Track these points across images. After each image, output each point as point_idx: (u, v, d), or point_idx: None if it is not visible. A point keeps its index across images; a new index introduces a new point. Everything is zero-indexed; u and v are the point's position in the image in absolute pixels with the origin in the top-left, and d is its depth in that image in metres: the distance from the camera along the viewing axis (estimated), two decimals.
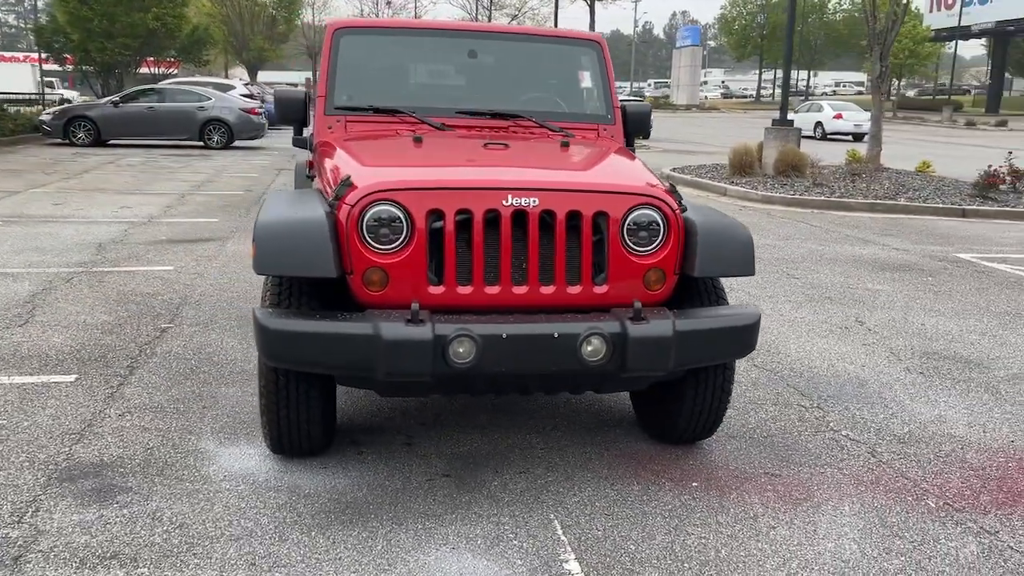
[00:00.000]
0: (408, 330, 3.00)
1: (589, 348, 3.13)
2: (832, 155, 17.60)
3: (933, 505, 3.43)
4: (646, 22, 72.50)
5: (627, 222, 3.33)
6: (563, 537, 3.08)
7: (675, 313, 3.31)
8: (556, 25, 32.08)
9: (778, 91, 69.71)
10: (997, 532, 3.22)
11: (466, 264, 3.24)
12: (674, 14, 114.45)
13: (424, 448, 3.81)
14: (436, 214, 3.20)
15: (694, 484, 3.55)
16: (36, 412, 4.05)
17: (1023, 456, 3.95)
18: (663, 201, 3.38)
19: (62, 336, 5.25)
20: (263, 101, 24.42)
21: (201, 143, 20.27)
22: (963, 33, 53.53)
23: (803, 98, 63.59)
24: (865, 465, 3.79)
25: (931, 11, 56.88)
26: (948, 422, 4.36)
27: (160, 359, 4.89)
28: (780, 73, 77.93)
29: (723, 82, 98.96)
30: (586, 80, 4.72)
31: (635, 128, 4.68)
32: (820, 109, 32.95)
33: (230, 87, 25.42)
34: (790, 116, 17.84)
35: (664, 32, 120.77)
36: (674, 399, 3.70)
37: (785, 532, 3.17)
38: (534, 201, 3.25)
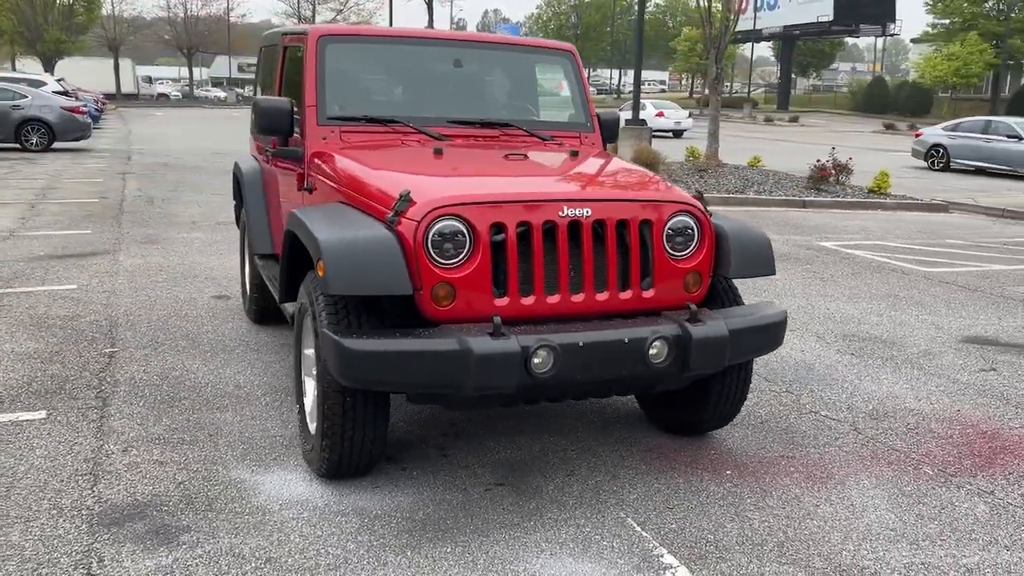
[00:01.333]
0: (496, 343, 3.05)
1: (654, 351, 3.30)
2: (665, 152, 18.64)
3: (931, 472, 3.87)
4: (459, 19, 73.05)
5: (667, 229, 3.52)
6: (644, 533, 3.24)
7: (718, 313, 3.54)
8: (391, 22, 31.83)
9: (592, 90, 72.61)
10: (992, 492, 3.70)
11: (528, 275, 3.32)
12: (486, 12, 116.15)
13: (462, 459, 3.84)
14: (497, 227, 3.25)
15: (728, 472, 3.80)
16: (24, 454, 3.71)
17: (975, 422, 4.51)
18: (697, 208, 3.60)
19: None
20: (76, 99, 22.67)
21: (17, 145, 18.53)
22: (757, 36, 58.02)
23: (615, 96, 66.44)
24: (857, 441, 4.20)
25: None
26: (899, 397, 4.88)
27: (128, 387, 4.57)
28: (592, 72, 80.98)
29: None
30: (564, 89, 4.87)
31: (608, 135, 4.89)
32: (643, 107, 34.69)
33: (41, 83, 23.32)
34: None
35: (477, 30, 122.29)
36: (700, 393, 3.93)
37: (830, 509, 3.49)
38: (587, 212, 3.37)
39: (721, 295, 3.88)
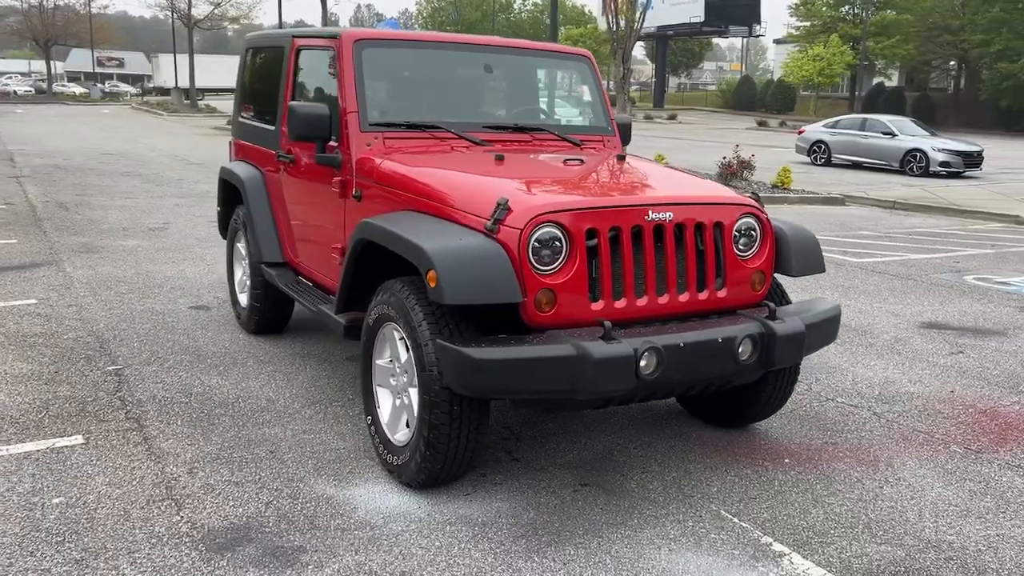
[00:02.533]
0: (611, 348, 3.12)
1: (742, 349, 3.45)
2: None
3: (960, 451, 4.20)
4: (331, 13, 71.60)
5: (735, 230, 3.68)
6: (743, 524, 3.39)
7: (787, 310, 3.74)
8: (280, 17, 30.93)
9: None
10: (1020, 465, 4.05)
11: (620, 279, 3.41)
12: (359, 7, 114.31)
13: (533, 462, 3.88)
14: (590, 233, 3.33)
15: (786, 460, 4.01)
16: (85, 482, 3.50)
17: (971, 402, 4.90)
18: (760, 209, 3.78)
19: (0, 394, 4.45)
20: None
21: None
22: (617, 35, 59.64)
23: None
24: (881, 425, 4.50)
25: (603, 14, 62.62)
26: (895, 382, 5.24)
27: (156, 406, 4.36)
28: None
29: None
30: (586, 94, 4.96)
31: (624, 138, 5.03)
32: None
33: None
34: None
35: (351, 24, 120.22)
36: (755, 386, 4.11)
37: (893, 491, 3.74)
38: (670, 215, 3.50)
39: (773, 293, 4.08)
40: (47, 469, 3.61)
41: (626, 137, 5.05)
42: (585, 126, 4.91)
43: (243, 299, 5.76)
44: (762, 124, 43.18)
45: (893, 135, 21.41)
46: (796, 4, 52.20)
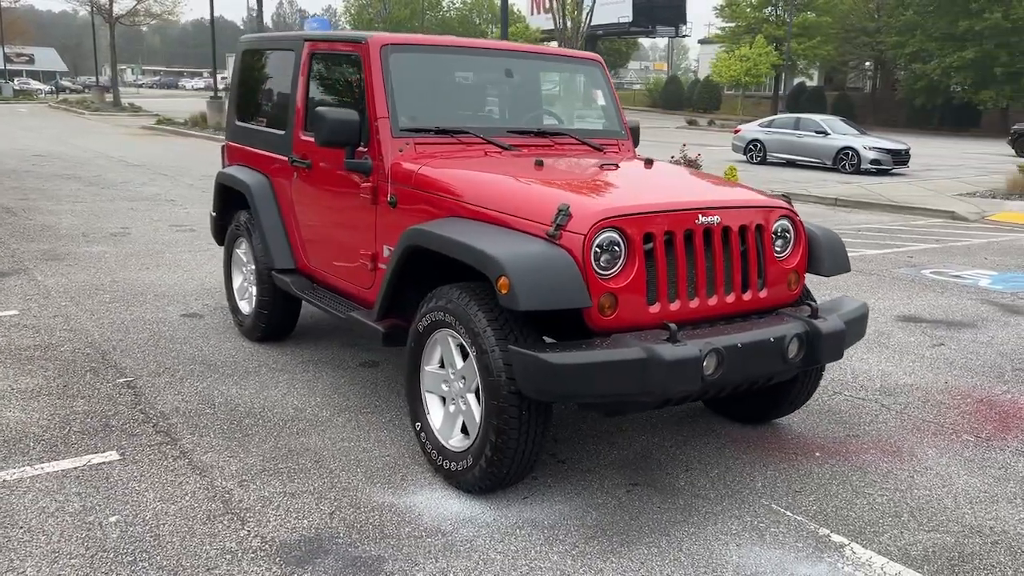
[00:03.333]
0: (681, 350, 3.20)
1: (790, 348, 3.58)
2: None
3: (971, 439, 4.42)
4: (251, 8, 70.15)
5: (773, 232, 3.81)
6: (797, 517, 3.51)
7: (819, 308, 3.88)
8: (212, 11, 30.13)
9: None
10: None
11: (674, 282, 3.49)
12: (281, 3, 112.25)
13: (579, 463, 3.94)
14: (647, 237, 3.41)
15: (817, 454, 4.16)
16: (134, 499, 3.42)
17: (966, 392, 5.15)
18: (793, 212, 3.92)
19: (14, 411, 4.29)
20: None
21: None
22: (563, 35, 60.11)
23: None
24: (892, 417, 4.70)
25: (532, 14, 62.96)
26: (891, 374, 5.47)
27: (182, 418, 4.27)
28: None
29: None
30: (600, 98, 5.03)
31: (635, 141, 5.13)
32: None
33: None
34: None
35: (272, 21, 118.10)
36: (785, 383, 4.24)
37: (924, 479, 3.92)
38: (717, 219, 3.60)
39: (804, 292, 4.22)
40: (92, 487, 3.51)
41: (636, 140, 5.14)
42: (600, 130, 4.98)
43: (244, 306, 5.65)
44: (692, 123, 44.09)
45: (826, 134, 22.15)
46: (721, 5, 53.42)
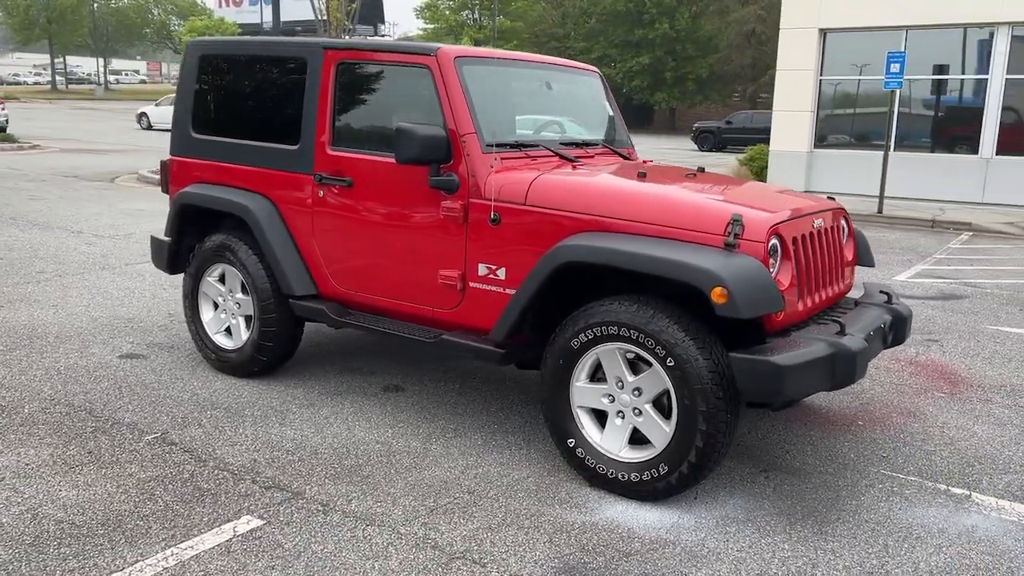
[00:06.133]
0: (858, 342, 3.57)
1: (888, 332, 4.10)
2: None
3: (944, 395, 5.26)
4: None
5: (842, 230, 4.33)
6: (911, 478, 4.02)
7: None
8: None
9: (60, 78, 64.81)
10: (1000, 403, 5.22)
11: (808, 279, 3.86)
12: None
13: None
14: (792, 241, 3.74)
15: (860, 423, 4.74)
16: (332, 563, 3.08)
17: (899, 355, 6.06)
18: (847, 212, 4.46)
19: (65, 489, 3.58)
20: None
21: None
22: (256, 31, 57.77)
23: (100, 86, 60.86)
24: (875, 384, 5.42)
25: (219, 7, 59.84)
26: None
27: (276, 470, 3.84)
28: (72, 60, 72.38)
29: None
30: (608, 108, 5.22)
31: None
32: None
33: None
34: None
35: None
36: None
37: (964, 434, 4.61)
38: (822, 222, 4.04)
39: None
40: (274, 558, 3.09)
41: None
42: (619, 140, 5.17)
43: (223, 341, 5.08)
44: None
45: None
46: (421, 7, 54.63)
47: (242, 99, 5.01)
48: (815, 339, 3.54)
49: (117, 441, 4.08)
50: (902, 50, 15.01)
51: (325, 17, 17.87)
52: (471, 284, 4.14)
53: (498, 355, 4.02)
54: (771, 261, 3.55)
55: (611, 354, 3.67)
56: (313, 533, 3.29)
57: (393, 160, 4.25)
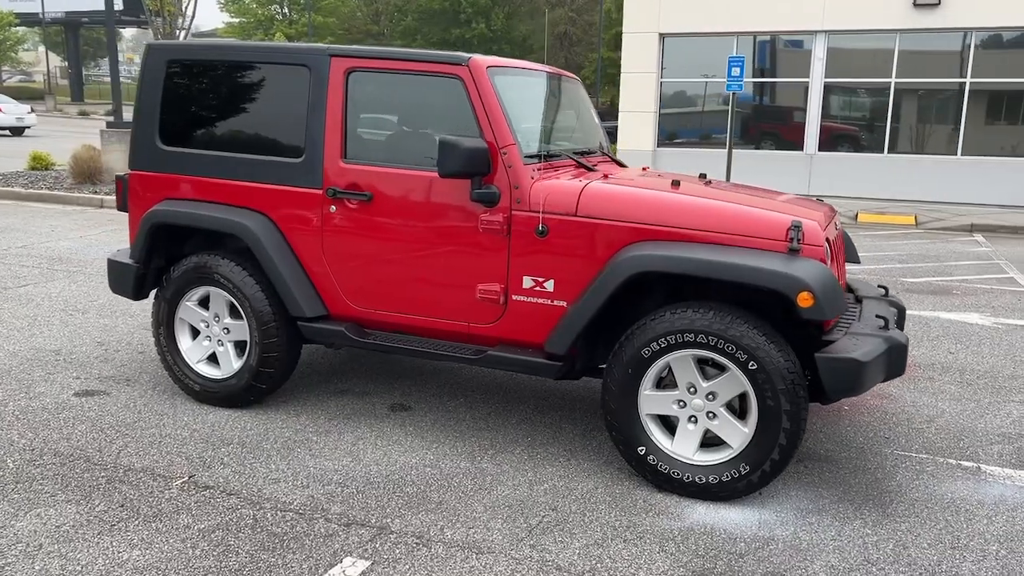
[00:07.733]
0: (903, 335, 3.86)
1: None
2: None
3: (898, 380, 5.74)
4: None
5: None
6: (922, 456, 4.38)
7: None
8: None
9: None
10: (946, 382, 5.78)
11: (840, 280, 4.13)
12: None
13: None
14: (830, 244, 3.99)
15: (846, 408, 5.09)
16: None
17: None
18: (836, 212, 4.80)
19: (128, 552, 3.19)
20: None
21: None
22: (36, 21, 52.86)
23: None
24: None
25: None
26: None
27: (342, 506, 3.61)
28: None
29: None
30: (594, 116, 5.28)
31: None
32: None
33: None
34: None
35: None
36: None
37: (931, 411, 5.07)
38: (840, 223, 4.33)
39: None
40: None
41: None
42: (603, 147, 5.23)
43: (208, 370, 4.69)
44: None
45: None
46: (224, 1, 52.01)
47: (225, 108, 4.60)
48: (869, 335, 3.79)
49: (144, 491, 3.67)
50: (738, 54, 16.13)
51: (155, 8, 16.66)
52: (514, 297, 4.07)
53: (555, 368, 3.98)
54: (828, 264, 3.77)
55: (684, 361, 3.74)
56: (429, 569, 3.13)
57: (420, 172, 4.14)
